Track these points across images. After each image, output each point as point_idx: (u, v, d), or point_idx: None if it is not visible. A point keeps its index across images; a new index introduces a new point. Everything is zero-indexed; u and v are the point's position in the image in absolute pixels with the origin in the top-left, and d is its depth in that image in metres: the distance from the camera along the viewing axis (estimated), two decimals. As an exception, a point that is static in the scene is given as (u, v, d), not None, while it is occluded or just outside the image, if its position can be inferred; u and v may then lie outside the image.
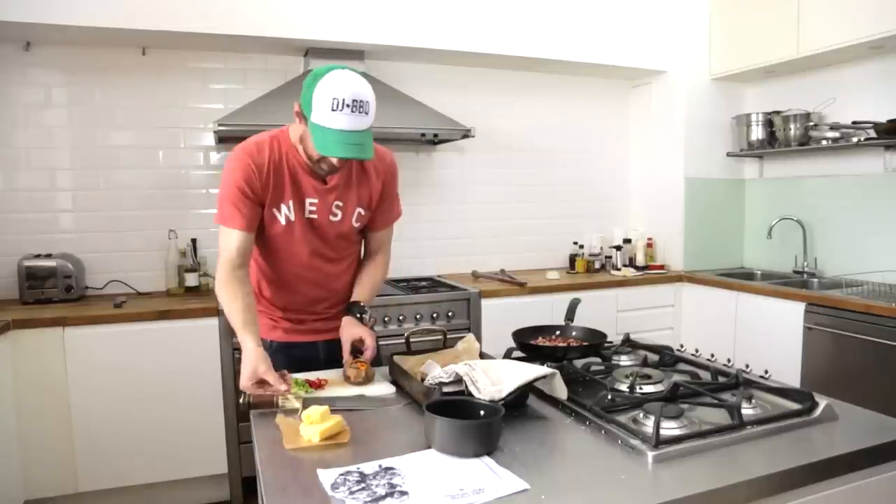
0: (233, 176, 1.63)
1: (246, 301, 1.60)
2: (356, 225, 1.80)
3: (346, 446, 1.23)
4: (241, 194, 1.62)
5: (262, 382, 1.46)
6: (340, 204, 1.74)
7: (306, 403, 1.37)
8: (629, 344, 1.84)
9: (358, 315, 1.75)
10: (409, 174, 3.56)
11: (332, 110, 1.49)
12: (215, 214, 1.68)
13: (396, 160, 1.88)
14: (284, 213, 1.69)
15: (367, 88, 1.53)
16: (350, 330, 1.70)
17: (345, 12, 3.06)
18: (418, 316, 2.98)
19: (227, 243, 1.64)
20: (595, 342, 1.73)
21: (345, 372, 1.62)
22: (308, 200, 1.70)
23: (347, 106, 1.49)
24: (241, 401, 1.41)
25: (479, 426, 1.18)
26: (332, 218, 1.74)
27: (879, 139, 3.01)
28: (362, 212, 1.79)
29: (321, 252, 1.78)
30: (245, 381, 1.46)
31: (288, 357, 1.76)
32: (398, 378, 1.59)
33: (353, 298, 1.81)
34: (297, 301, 1.82)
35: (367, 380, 1.60)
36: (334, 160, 1.60)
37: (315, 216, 1.72)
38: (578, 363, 1.65)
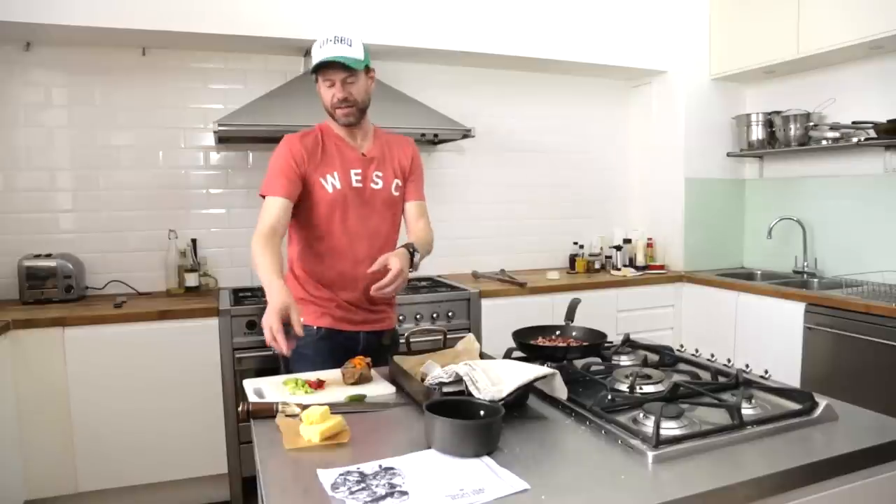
0: (280, 152, 1.85)
1: (275, 257, 1.69)
2: (395, 194, 1.99)
3: (346, 446, 1.23)
4: (286, 165, 1.82)
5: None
6: (380, 174, 1.96)
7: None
8: (629, 344, 1.83)
9: (411, 250, 1.82)
10: (409, 174, 3.56)
11: (319, 48, 1.79)
12: (261, 191, 1.84)
13: None
14: (331, 182, 1.88)
15: (352, 33, 1.80)
16: (390, 255, 1.73)
17: (345, 13, 3.06)
18: (418, 316, 2.98)
19: (266, 213, 1.78)
20: (595, 342, 1.73)
21: (342, 371, 1.62)
22: (353, 171, 1.91)
23: (329, 41, 1.78)
24: (239, 409, 1.41)
25: (479, 426, 1.18)
26: (373, 185, 1.94)
27: (879, 139, 3.01)
28: (399, 182, 2.01)
29: (368, 219, 1.93)
30: (272, 317, 1.49)
31: (332, 343, 1.89)
32: (398, 378, 1.59)
33: (409, 241, 1.91)
34: (347, 279, 1.91)
35: (364, 379, 1.59)
36: (335, 91, 1.82)
37: (360, 184, 1.92)
38: (578, 363, 1.65)
